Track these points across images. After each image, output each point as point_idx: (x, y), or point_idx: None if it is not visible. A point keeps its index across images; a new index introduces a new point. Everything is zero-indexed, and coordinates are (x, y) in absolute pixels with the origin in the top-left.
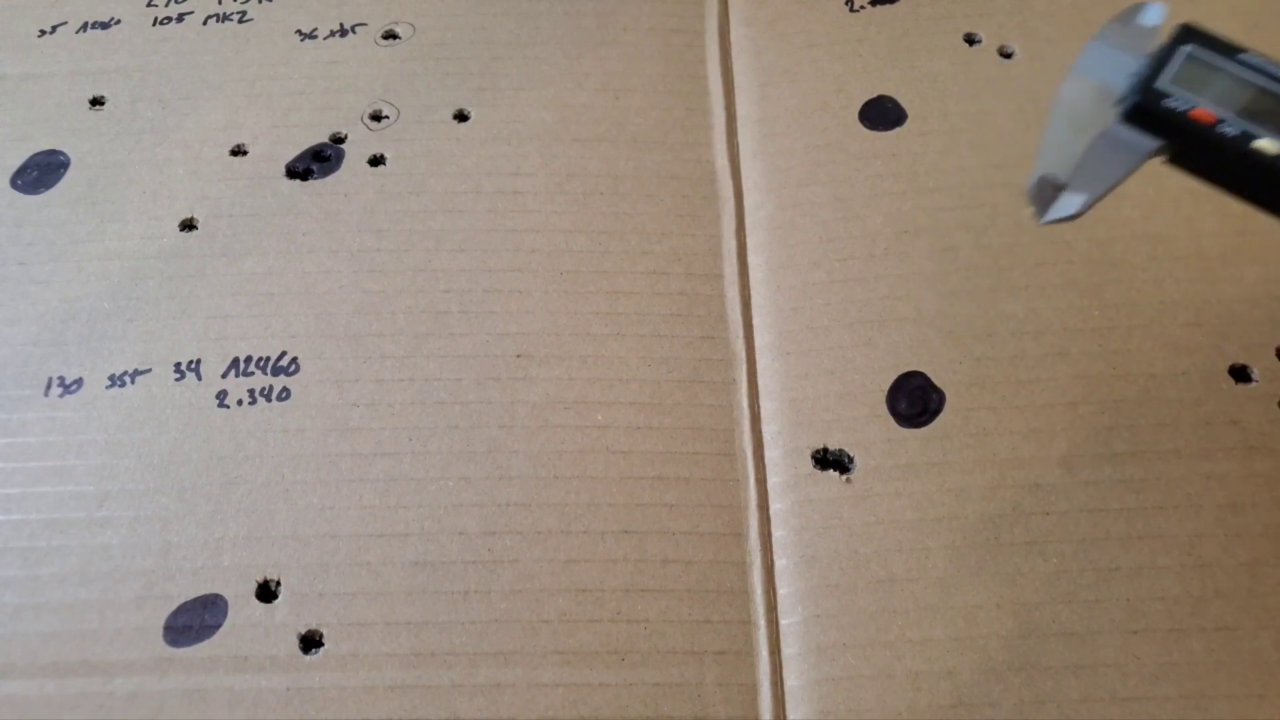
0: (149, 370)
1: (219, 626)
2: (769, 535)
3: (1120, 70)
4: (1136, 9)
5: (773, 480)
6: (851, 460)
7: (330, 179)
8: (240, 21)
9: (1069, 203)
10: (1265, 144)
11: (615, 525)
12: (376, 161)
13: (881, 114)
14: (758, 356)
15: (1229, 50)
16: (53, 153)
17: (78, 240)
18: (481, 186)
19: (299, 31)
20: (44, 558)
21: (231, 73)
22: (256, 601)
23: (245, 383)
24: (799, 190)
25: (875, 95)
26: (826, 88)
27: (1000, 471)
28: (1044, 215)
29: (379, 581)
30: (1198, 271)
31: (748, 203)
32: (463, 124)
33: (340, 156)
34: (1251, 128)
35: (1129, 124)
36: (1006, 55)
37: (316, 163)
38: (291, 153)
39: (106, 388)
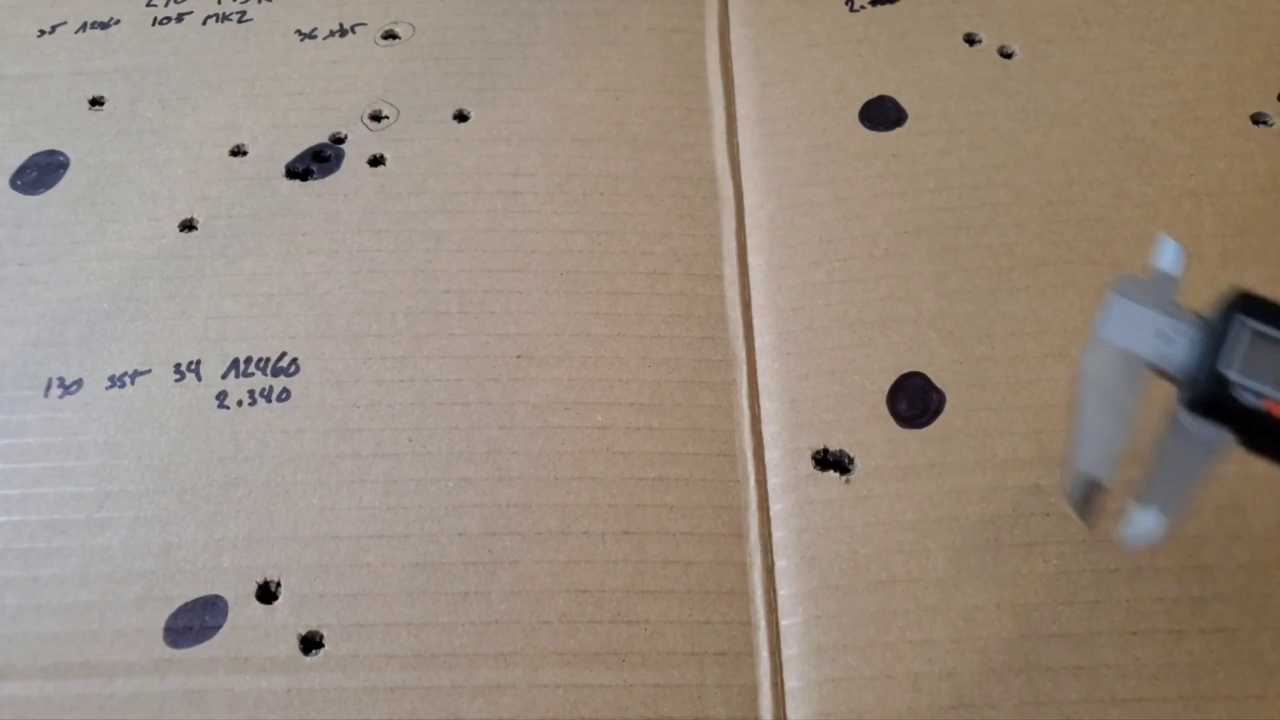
0: (149, 371)
1: (219, 628)
2: (769, 536)
3: (1145, 331)
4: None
5: (773, 481)
6: (852, 461)
7: (330, 179)
8: (240, 21)
9: (1152, 524)
10: None
11: (615, 526)
12: (376, 162)
13: (881, 114)
14: (758, 357)
15: None
16: (52, 153)
17: (77, 240)
18: (481, 186)
19: (299, 31)
20: (44, 559)
21: (231, 73)
22: (257, 602)
23: (245, 383)
24: (799, 190)
25: (875, 95)
26: (826, 88)
27: (1000, 472)
28: (1123, 536)
29: (379, 582)
30: (1198, 273)
31: (748, 203)
32: (463, 124)
33: (340, 157)
34: None
35: (1195, 414)
36: (1006, 55)
37: (316, 163)
38: (291, 153)
39: (106, 388)
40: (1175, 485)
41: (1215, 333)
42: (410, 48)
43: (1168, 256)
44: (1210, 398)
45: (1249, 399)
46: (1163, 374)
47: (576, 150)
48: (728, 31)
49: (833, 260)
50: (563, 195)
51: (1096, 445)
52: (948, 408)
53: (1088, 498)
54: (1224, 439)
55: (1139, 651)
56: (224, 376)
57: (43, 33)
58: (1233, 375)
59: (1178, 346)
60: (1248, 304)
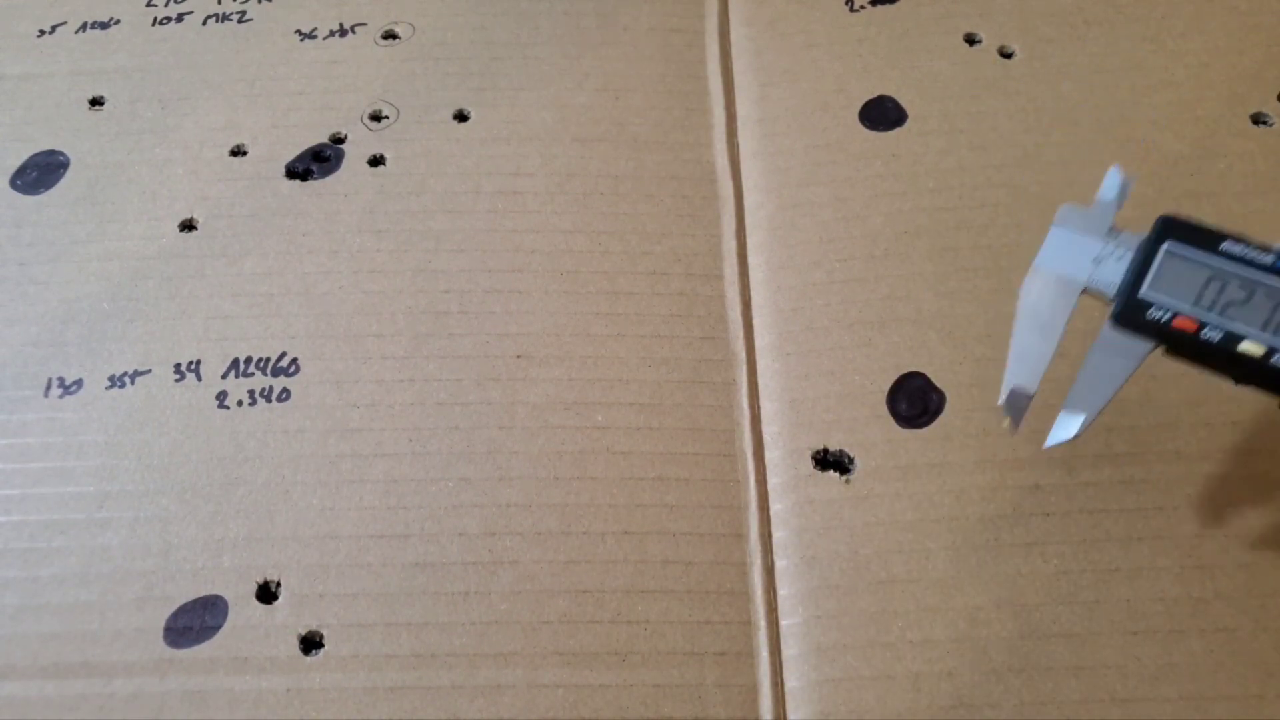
0: (149, 371)
1: (219, 628)
2: (769, 536)
3: (1083, 258)
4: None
5: (773, 481)
6: (852, 461)
7: (330, 179)
8: (240, 21)
9: (1069, 424)
10: (1249, 346)
11: (615, 526)
12: (376, 162)
13: (881, 114)
14: (758, 357)
15: (1210, 241)
16: (52, 153)
17: (77, 241)
18: (481, 186)
19: (299, 31)
20: (44, 559)
21: (231, 73)
22: (257, 603)
23: (245, 383)
24: (799, 190)
25: (875, 95)
26: (826, 88)
27: (1000, 472)
28: (1031, 433)
29: (379, 582)
30: None
31: (748, 203)
32: (463, 124)
33: (340, 157)
34: (1235, 328)
35: (1119, 329)
36: (1006, 55)
37: (316, 163)
38: (291, 153)
39: (106, 388)
40: (1098, 390)
41: (1142, 256)
42: (410, 48)
43: (1111, 186)
44: (1131, 315)
45: (1163, 316)
46: (1096, 295)
47: (576, 150)
48: (728, 31)
49: (833, 260)
50: (563, 195)
51: (1027, 360)
52: (948, 408)
53: (1016, 405)
54: (1144, 348)
55: (1139, 651)
56: (224, 376)
57: (43, 33)
58: (1150, 295)
59: (1110, 269)
60: (1172, 228)
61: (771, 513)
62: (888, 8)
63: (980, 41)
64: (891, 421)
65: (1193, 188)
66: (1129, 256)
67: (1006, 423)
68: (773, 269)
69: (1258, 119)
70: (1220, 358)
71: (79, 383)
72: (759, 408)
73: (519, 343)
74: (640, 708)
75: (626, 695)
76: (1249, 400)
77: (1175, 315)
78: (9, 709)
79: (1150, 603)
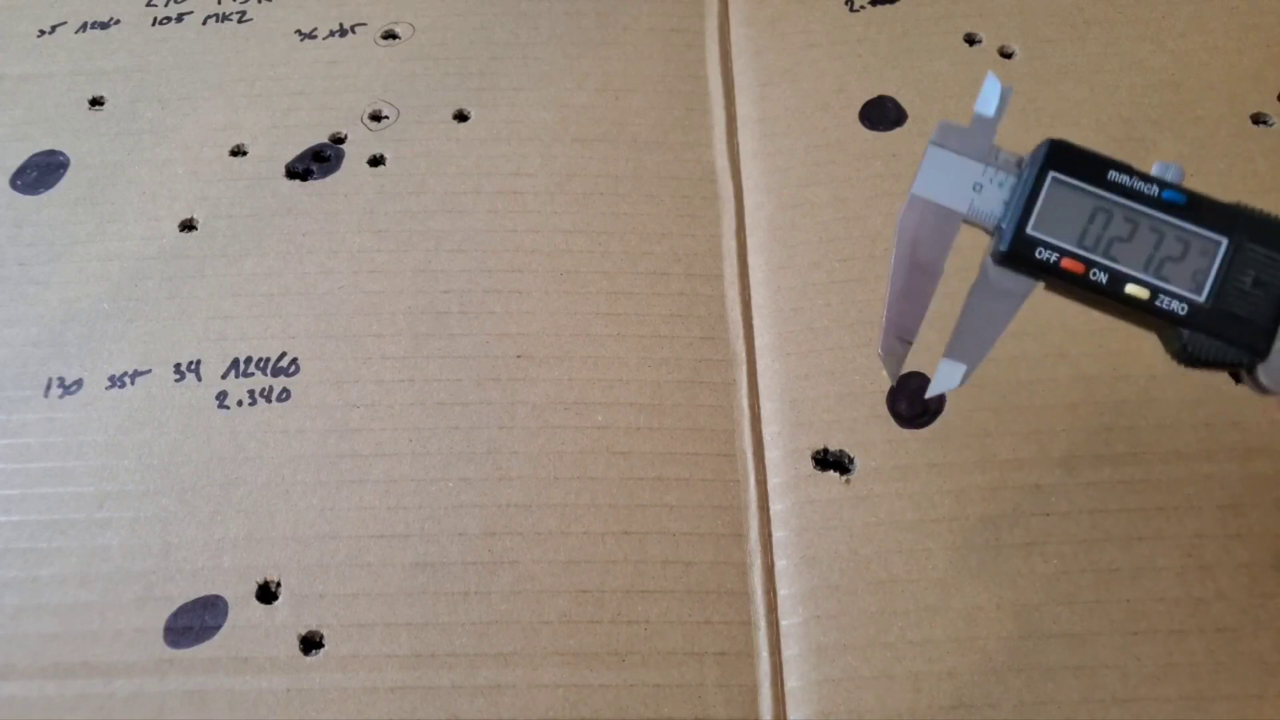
0: (149, 371)
1: (219, 628)
2: (769, 536)
3: (963, 184)
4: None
5: (773, 481)
6: (852, 461)
7: (330, 179)
8: (240, 21)
9: (951, 373)
10: (1135, 290)
11: (615, 526)
12: (376, 162)
13: (881, 114)
14: (758, 357)
15: (1096, 169)
16: (52, 153)
17: (77, 241)
18: (481, 186)
19: (299, 31)
20: (44, 559)
21: (231, 73)
22: (257, 603)
23: (245, 383)
24: (799, 190)
25: (875, 95)
26: (826, 88)
27: (1000, 472)
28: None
29: (379, 583)
30: None
31: (748, 203)
32: (463, 124)
33: (340, 157)
34: (1120, 269)
35: (1004, 268)
36: (1006, 55)
37: (316, 163)
38: (291, 153)
39: (106, 388)
40: (982, 336)
41: (1026, 185)
42: (410, 48)
43: (988, 99)
44: (1017, 254)
45: (1051, 257)
46: (975, 225)
47: (576, 150)
48: (728, 31)
49: (833, 260)
50: (563, 195)
51: (906, 303)
52: (948, 408)
53: (894, 354)
54: (1029, 285)
55: (1139, 651)
56: (224, 376)
57: (43, 33)
58: (1036, 232)
59: (991, 198)
60: (1059, 153)
61: (771, 513)
62: (888, 8)
63: (980, 41)
64: (891, 421)
65: (1192, 188)
66: (1010, 182)
67: (885, 373)
68: (773, 269)
69: (1258, 119)
70: (1106, 299)
71: (79, 383)
72: (759, 408)
73: (519, 343)
74: (640, 708)
75: (626, 695)
76: (1249, 400)
77: (1063, 256)
78: (9, 709)
79: (1150, 603)
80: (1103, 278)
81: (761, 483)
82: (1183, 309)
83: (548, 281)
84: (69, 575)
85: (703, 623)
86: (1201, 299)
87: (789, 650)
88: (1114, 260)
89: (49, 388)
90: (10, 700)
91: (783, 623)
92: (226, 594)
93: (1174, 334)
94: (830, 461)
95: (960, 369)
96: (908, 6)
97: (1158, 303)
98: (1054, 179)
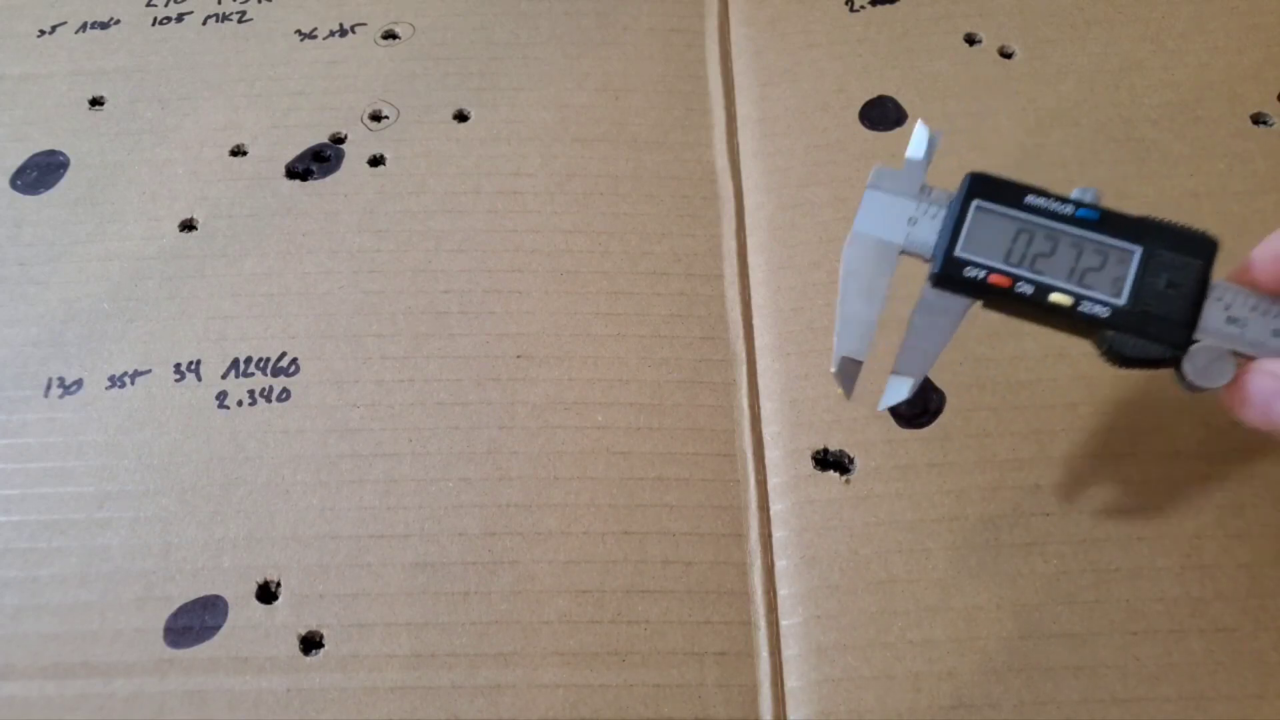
0: (149, 371)
1: (219, 628)
2: (769, 536)
3: (898, 220)
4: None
5: (773, 481)
6: (852, 461)
7: (330, 179)
8: (240, 21)
9: (899, 387)
10: (1058, 298)
11: (615, 526)
12: (376, 162)
13: (881, 114)
14: (758, 357)
15: (1015, 195)
16: (52, 153)
17: (77, 241)
18: (481, 186)
19: (299, 31)
20: (44, 559)
21: (231, 73)
22: (257, 603)
23: (245, 383)
24: (799, 190)
25: (875, 95)
26: (826, 88)
27: (1000, 472)
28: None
29: (379, 583)
30: None
31: (748, 203)
32: (462, 124)
33: (340, 157)
34: (1044, 280)
35: (940, 289)
36: (1006, 55)
37: (316, 163)
38: (291, 153)
39: (106, 388)
40: (925, 352)
41: (953, 213)
42: (410, 48)
43: (918, 143)
44: (949, 275)
45: (979, 274)
46: (914, 255)
47: (576, 150)
48: (728, 31)
49: (833, 260)
50: (563, 195)
51: (854, 327)
52: (947, 408)
53: (847, 374)
54: (964, 304)
55: (1139, 652)
56: (224, 376)
57: (42, 33)
58: (964, 254)
59: (925, 229)
60: (980, 184)
61: (771, 513)
62: (888, 8)
63: (980, 41)
64: (891, 421)
65: (1192, 188)
66: (942, 215)
67: (840, 391)
68: (773, 269)
69: (1258, 119)
70: (1035, 310)
71: (79, 383)
72: (759, 408)
73: (519, 343)
74: (640, 708)
75: (626, 695)
76: None
77: (990, 272)
78: (9, 709)
79: (1150, 603)
80: (1028, 289)
81: (761, 483)
82: (1105, 312)
83: (548, 281)
84: (69, 575)
85: (703, 623)
86: (1122, 302)
87: (789, 650)
88: (1039, 274)
89: (49, 388)
90: (10, 700)
91: (783, 623)
92: (226, 594)
93: (1101, 336)
94: (830, 461)
95: (907, 383)
96: (908, 6)
97: (1081, 308)
98: (977, 206)
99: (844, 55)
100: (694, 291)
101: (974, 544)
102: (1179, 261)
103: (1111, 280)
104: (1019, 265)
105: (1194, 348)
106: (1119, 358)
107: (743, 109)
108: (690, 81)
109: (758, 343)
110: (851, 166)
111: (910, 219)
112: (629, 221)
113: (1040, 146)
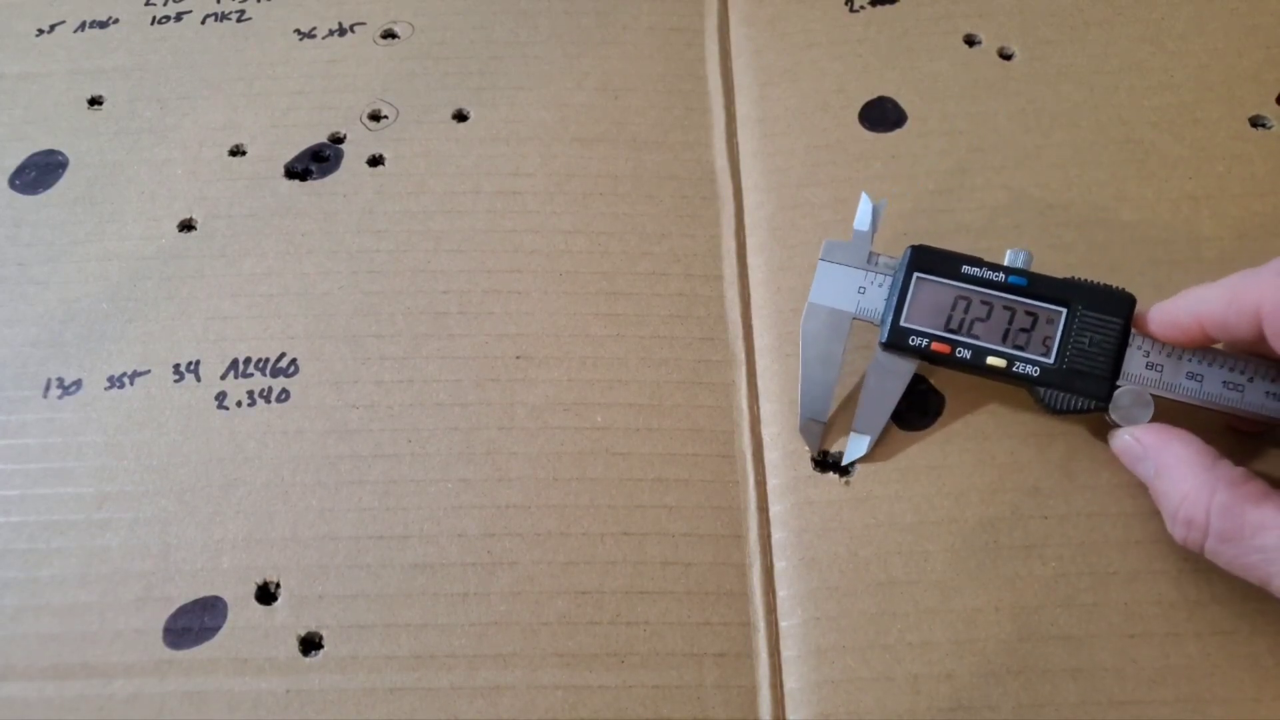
0: (148, 371)
1: (219, 629)
2: (768, 537)
3: (849, 290)
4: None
5: (772, 482)
6: (851, 463)
7: (329, 179)
8: (239, 21)
9: (859, 444)
10: (994, 360)
11: (615, 527)
12: (375, 162)
13: (881, 114)
14: (757, 358)
15: (953, 266)
16: (51, 153)
17: (76, 241)
18: (481, 186)
19: (298, 31)
20: (43, 560)
21: (230, 72)
22: (256, 604)
23: (244, 384)
24: (799, 190)
25: (875, 96)
26: (826, 88)
27: (999, 474)
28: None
29: (378, 583)
30: (1195, 275)
31: (748, 203)
32: (462, 124)
33: (339, 156)
34: (980, 344)
35: (889, 352)
36: (1006, 56)
37: (315, 163)
38: (290, 153)
39: (105, 389)
40: (879, 410)
41: (897, 285)
42: (410, 47)
43: (863, 216)
44: (896, 342)
45: (922, 342)
46: (866, 321)
47: (576, 150)
48: (728, 31)
49: None
50: (562, 195)
51: (814, 391)
52: (947, 409)
53: (812, 433)
54: (911, 366)
55: (1136, 654)
56: (223, 377)
57: (41, 32)
58: (909, 324)
59: (874, 297)
60: (920, 258)
61: (771, 514)
62: (888, 8)
63: (980, 42)
64: (891, 423)
65: (1191, 190)
66: (889, 282)
67: (807, 445)
68: (773, 269)
69: (1256, 122)
70: (975, 370)
71: (78, 383)
72: (758, 409)
73: (518, 343)
74: (640, 709)
75: (626, 696)
76: None
77: (932, 340)
78: (9, 709)
79: (1148, 605)
80: (967, 354)
81: (761, 484)
82: (1035, 371)
83: (547, 282)
84: (69, 576)
85: (702, 624)
86: (1050, 361)
87: (788, 651)
88: (976, 338)
89: (48, 388)
90: (10, 700)
91: (782, 624)
92: (226, 595)
93: (1035, 391)
94: (830, 463)
95: (865, 439)
96: (908, 6)
97: (1015, 369)
98: (918, 278)
99: (844, 55)
100: (693, 292)
101: (973, 546)
102: (1100, 320)
103: (1041, 340)
104: (958, 332)
105: (1118, 392)
106: (1052, 410)
107: (742, 109)
108: (690, 81)
109: (757, 343)
110: (851, 167)
111: (860, 288)
112: (628, 222)
113: (1040, 147)
